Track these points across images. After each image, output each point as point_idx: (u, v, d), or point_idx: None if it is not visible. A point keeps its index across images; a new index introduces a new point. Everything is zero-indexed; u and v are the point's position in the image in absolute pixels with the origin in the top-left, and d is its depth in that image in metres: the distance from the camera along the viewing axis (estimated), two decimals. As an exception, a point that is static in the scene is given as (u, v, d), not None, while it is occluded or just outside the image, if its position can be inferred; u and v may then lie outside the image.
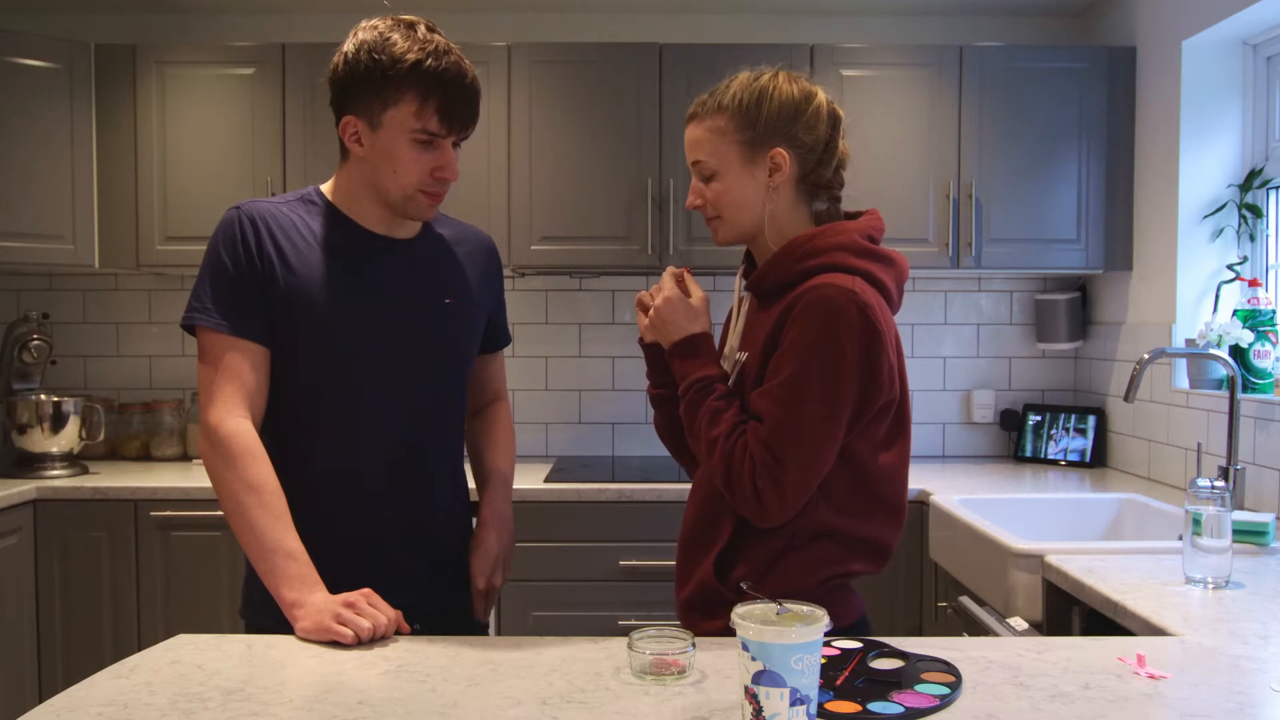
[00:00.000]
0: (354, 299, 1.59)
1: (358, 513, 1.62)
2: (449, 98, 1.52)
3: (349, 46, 1.54)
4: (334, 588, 1.48)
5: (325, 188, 1.66)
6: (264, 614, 1.54)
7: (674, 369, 1.55)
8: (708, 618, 1.49)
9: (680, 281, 1.59)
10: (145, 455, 3.46)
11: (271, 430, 1.60)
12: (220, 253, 1.56)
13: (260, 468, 1.51)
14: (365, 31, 1.54)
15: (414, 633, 1.47)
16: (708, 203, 1.55)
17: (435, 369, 1.67)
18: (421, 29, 1.53)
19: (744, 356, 1.53)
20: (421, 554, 1.67)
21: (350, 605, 1.42)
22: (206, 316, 1.55)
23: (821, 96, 1.54)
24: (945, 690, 1.22)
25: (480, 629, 1.74)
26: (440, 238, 1.72)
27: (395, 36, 1.51)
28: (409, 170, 1.55)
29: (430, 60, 1.50)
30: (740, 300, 1.63)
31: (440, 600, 1.68)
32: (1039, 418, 3.50)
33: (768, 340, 1.46)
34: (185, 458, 3.44)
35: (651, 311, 1.56)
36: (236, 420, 1.52)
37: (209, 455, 1.54)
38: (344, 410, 1.60)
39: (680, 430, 1.61)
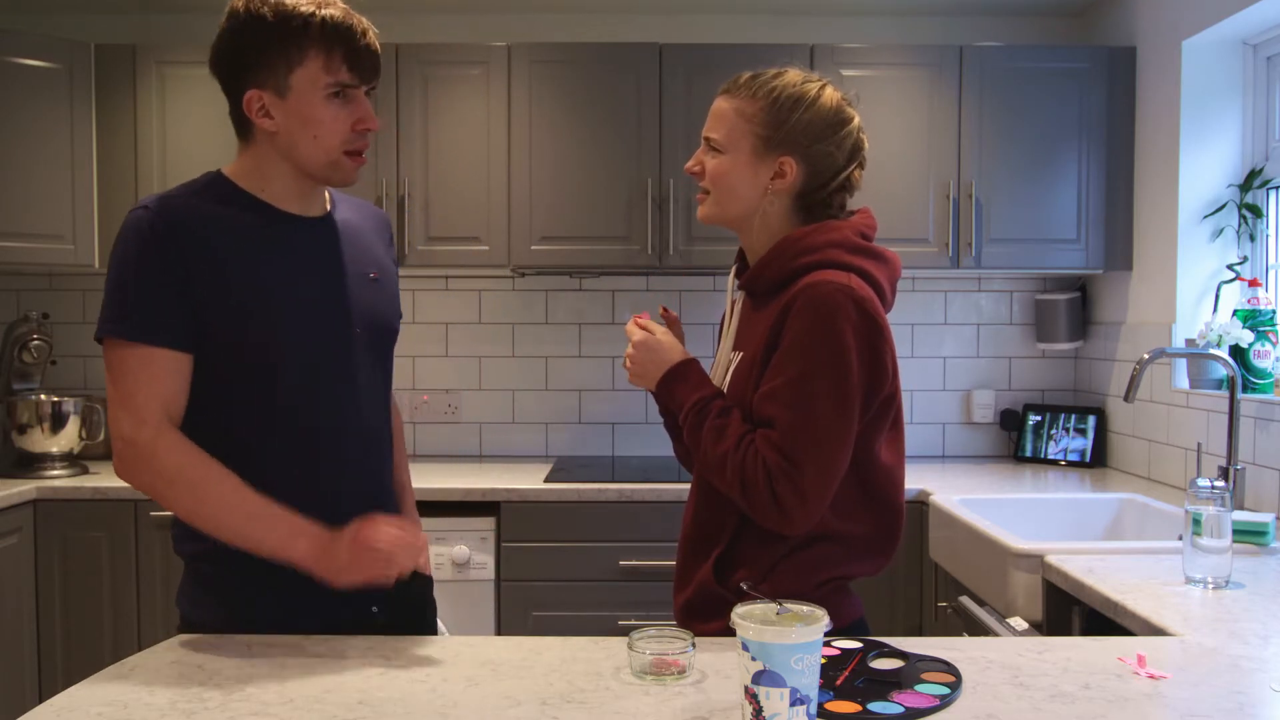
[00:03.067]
0: (286, 282, 1.52)
1: (321, 499, 1.53)
2: (353, 44, 1.48)
3: (227, 21, 1.48)
4: (297, 576, 1.45)
5: (228, 171, 1.60)
6: (203, 607, 1.53)
7: (669, 404, 1.54)
8: (707, 619, 1.49)
9: (643, 325, 1.59)
10: (145, 455, 3.45)
11: (219, 429, 1.51)
12: (133, 258, 1.45)
13: (193, 455, 1.44)
14: (244, 0, 1.47)
15: (375, 615, 1.53)
16: (705, 174, 1.54)
17: (373, 343, 1.62)
18: None
19: (738, 356, 1.53)
20: None
21: (368, 547, 1.41)
22: (119, 325, 1.45)
23: (855, 124, 1.53)
24: (945, 690, 1.22)
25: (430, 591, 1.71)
26: (345, 214, 1.66)
27: None
28: (330, 130, 1.49)
29: (322, 12, 1.46)
30: (734, 301, 1.62)
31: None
32: (1039, 418, 3.50)
33: (764, 340, 1.45)
34: (185, 458, 3.44)
35: (628, 362, 1.56)
36: (154, 425, 1.45)
37: (134, 468, 1.45)
38: (294, 395, 1.52)
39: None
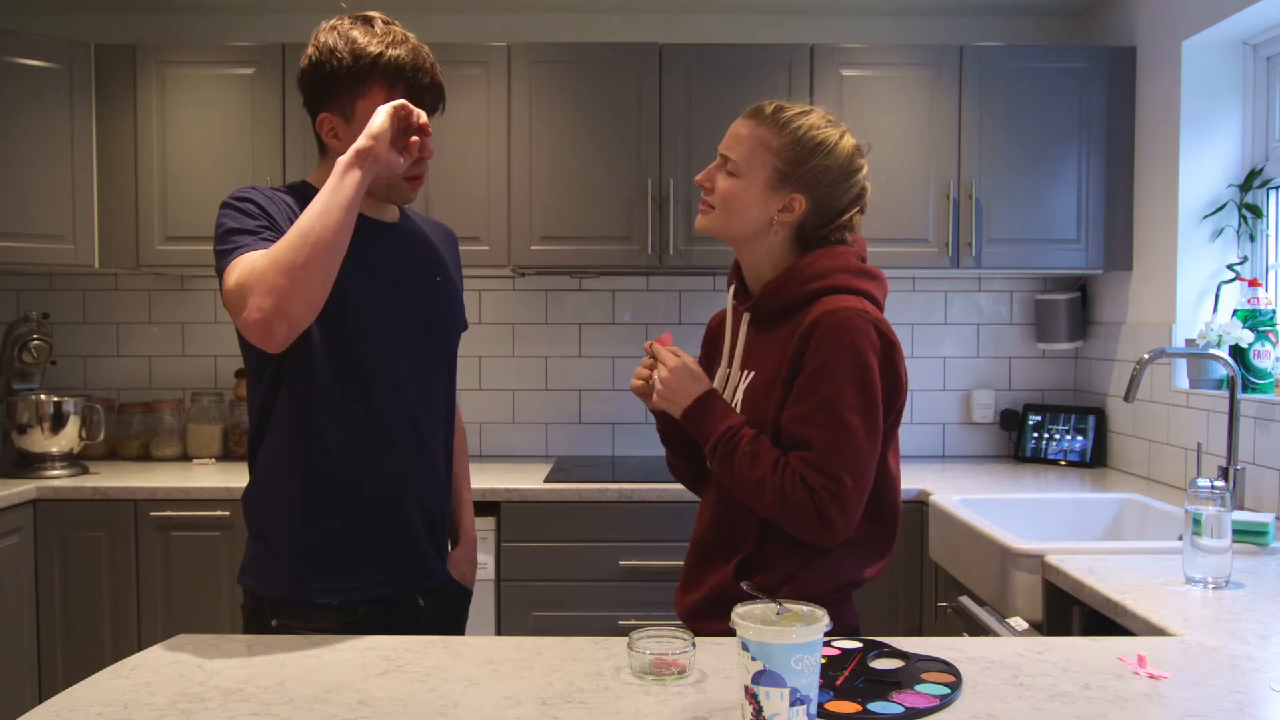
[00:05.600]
0: (363, 277, 1.62)
1: (380, 485, 1.65)
2: (414, 82, 1.60)
3: (312, 50, 1.61)
4: (355, 551, 1.62)
5: (311, 179, 1.70)
6: (267, 579, 1.62)
7: (692, 431, 1.57)
8: (721, 619, 1.50)
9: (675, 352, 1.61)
10: (145, 455, 3.46)
11: (291, 407, 1.62)
12: (238, 210, 1.55)
13: (259, 252, 1.47)
14: (326, 33, 1.60)
15: (420, 608, 1.66)
16: (715, 190, 1.58)
17: (438, 343, 1.75)
18: (379, 23, 1.61)
19: (749, 375, 1.57)
20: (426, 522, 1.73)
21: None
22: (232, 254, 1.48)
23: (863, 174, 1.59)
24: (945, 690, 1.22)
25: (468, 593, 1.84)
26: (416, 224, 1.80)
27: (355, 34, 1.59)
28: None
29: (390, 50, 1.59)
30: (734, 318, 1.65)
31: (441, 570, 1.76)
32: (1039, 418, 3.50)
33: (784, 363, 1.50)
34: (185, 458, 3.44)
35: (659, 384, 1.58)
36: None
37: (244, 288, 1.43)
38: (364, 385, 1.63)
39: (692, 464, 1.70)
